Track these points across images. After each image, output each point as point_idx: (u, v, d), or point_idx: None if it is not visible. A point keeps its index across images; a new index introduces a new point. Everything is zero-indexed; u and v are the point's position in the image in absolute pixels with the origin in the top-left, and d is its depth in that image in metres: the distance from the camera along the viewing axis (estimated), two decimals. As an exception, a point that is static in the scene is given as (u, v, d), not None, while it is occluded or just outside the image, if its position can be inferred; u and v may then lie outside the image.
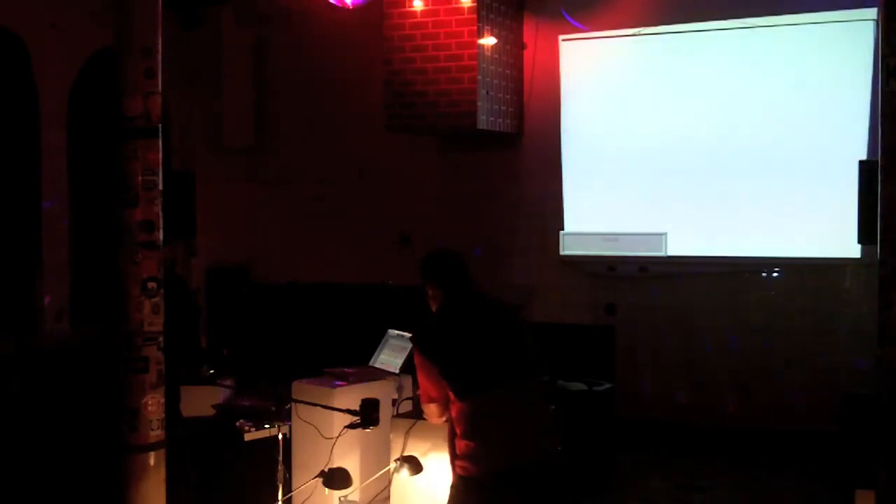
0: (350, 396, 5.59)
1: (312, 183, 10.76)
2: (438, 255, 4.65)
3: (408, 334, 5.88)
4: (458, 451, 4.27)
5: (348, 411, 5.16)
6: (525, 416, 4.28)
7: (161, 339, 4.67)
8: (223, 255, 10.89)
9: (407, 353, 5.74)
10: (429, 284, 4.56)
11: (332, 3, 8.74)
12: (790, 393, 8.74)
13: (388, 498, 5.28)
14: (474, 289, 4.55)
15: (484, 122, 9.07)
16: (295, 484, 5.82)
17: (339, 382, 5.99)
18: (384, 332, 6.27)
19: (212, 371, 6.92)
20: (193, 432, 6.56)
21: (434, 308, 4.59)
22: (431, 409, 4.48)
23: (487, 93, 9.07)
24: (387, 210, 10.41)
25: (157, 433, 4.65)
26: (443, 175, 10.21)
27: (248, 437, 5.66)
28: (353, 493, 5.51)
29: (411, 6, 9.10)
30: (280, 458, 5.54)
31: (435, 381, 4.35)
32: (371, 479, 5.43)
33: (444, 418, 4.45)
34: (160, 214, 4.70)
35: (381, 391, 5.68)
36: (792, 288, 8.83)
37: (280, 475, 5.51)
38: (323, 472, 5.28)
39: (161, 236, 4.71)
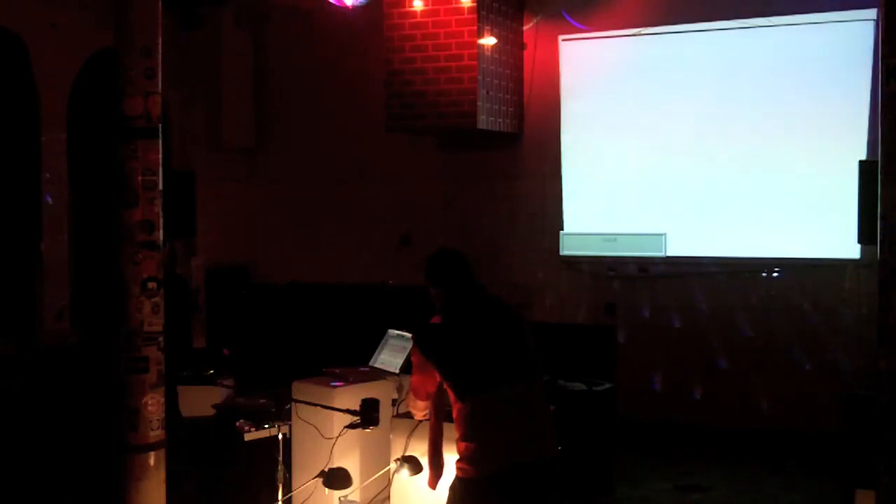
0: (350, 396, 5.59)
1: (312, 183, 10.76)
2: (439, 256, 4.65)
3: (408, 334, 5.88)
4: (458, 453, 4.28)
5: (348, 411, 5.17)
6: (525, 416, 4.27)
7: (161, 339, 4.68)
8: (223, 255, 10.89)
9: (407, 353, 5.73)
10: (430, 285, 4.57)
11: (331, 4, 8.73)
12: (790, 393, 8.74)
13: (388, 498, 5.27)
14: (476, 288, 4.54)
15: (484, 122, 9.07)
16: (295, 484, 5.81)
17: (339, 382, 5.98)
18: (384, 332, 6.26)
19: (212, 371, 6.93)
20: (193, 432, 6.57)
21: (438, 308, 4.59)
22: (420, 406, 4.60)
23: (487, 93, 9.07)
24: (387, 210, 10.41)
25: (157, 433, 4.65)
26: (443, 175, 10.21)
27: (248, 437, 5.64)
28: (353, 493, 5.50)
29: (411, 6, 9.10)
30: (280, 458, 5.53)
31: (431, 379, 4.39)
32: (371, 479, 5.43)
33: (426, 412, 4.59)
34: (160, 214, 4.70)
35: (381, 391, 5.67)
36: (792, 288, 8.83)
37: (280, 475, 5.51)
38: (323, 472, 5.28)
39: (161, 236, 4.72)
